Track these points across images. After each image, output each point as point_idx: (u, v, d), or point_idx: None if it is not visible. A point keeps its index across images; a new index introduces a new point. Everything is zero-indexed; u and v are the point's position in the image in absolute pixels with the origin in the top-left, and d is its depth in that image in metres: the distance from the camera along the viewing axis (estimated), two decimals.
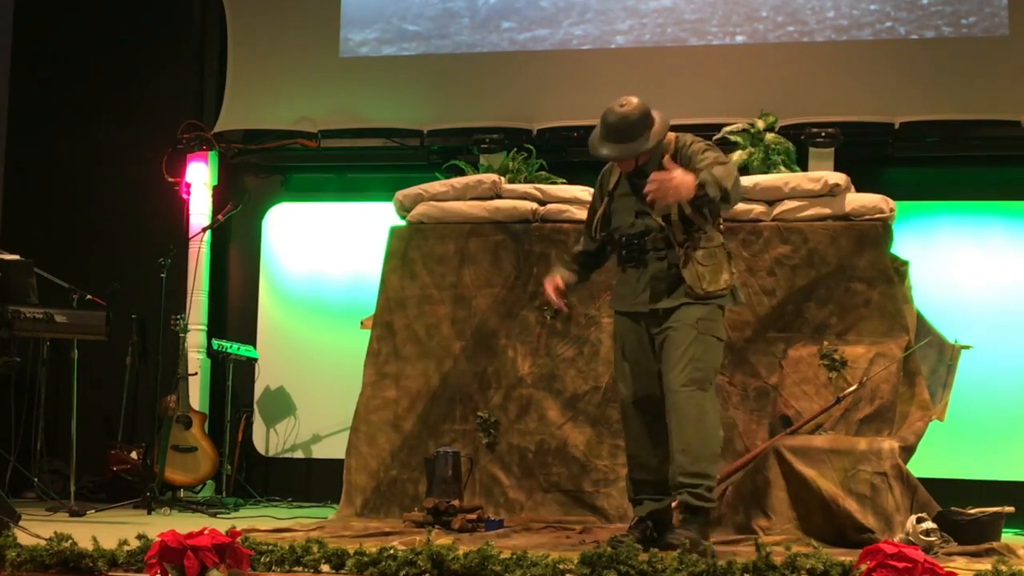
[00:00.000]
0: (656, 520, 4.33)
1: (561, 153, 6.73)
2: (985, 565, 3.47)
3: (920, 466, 4.95)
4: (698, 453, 4.14)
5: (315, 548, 3.57)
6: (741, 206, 5.39)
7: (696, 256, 4.25)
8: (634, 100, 4.26)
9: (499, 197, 5.72)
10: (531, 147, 6.12)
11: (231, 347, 6.89)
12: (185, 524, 3.75)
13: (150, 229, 7.22)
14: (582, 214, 4.93)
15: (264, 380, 7.20)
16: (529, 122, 6.78)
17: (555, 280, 4.52)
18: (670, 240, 4.26)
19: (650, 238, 4.30)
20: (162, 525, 4.11)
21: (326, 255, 7.25)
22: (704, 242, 4.27)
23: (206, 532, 3.27)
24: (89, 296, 6.60)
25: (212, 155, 7.30)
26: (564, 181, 5.88)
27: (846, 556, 3.46)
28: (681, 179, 4.02)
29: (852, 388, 4.99)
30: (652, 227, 4.29)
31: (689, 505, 4.15)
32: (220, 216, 7.04)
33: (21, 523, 4.47)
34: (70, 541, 3.52)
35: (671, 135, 4.39)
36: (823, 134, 6.45)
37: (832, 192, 5.33)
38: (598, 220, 4.48)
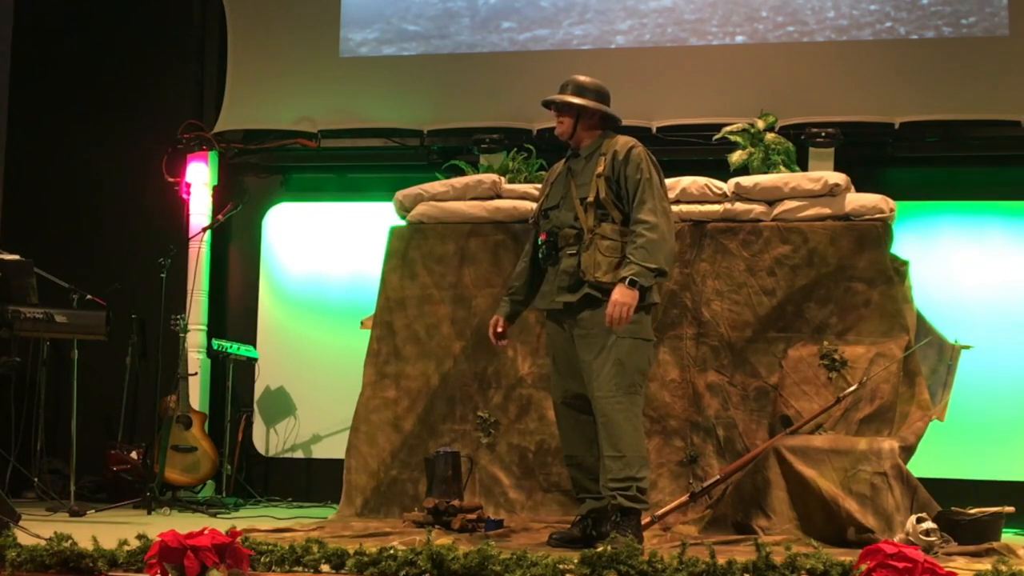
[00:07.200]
0: (595, 518, 4.47)
1: (561, 153, 6.72)
2: (985, 565, 3.47)
3: (920, 466, 4.95)
4: (628, 458, 4.28)
5: (315, 548, 3.58)
6: (741, 206, 5.41)
7: (600, 245, 4.37)
8: (598, 81, 4.57)
9: (499, 197, 5.72)
10: (531, 147, 6.12)
11: (231, 347, 6.89)
12: (185, 524, 3.75)
13: (150, 229, 7.22)
14: None
15: (264, 380, 7.20)
16: (529, 122, 6.78)
17: (494, 323, 4.73)
18: (582, 236, 4.40)
19: (562, 234, 4.47)
20: (162, 525, 4.12)
21: (326, 255, 7.25)
22: (613, 235, 4.39)
23: (206, 532, 3.28)
24: (89, 296, 6.59)
25: (212, 155, 7.30)
26: None
27: (846, 556, 3.46)
28: (616, 299, 4.23)
29: (852, 388, 4.99)
30: (566, 221, 4.47)
31: (622, 507, 4.29)
32: (220, 216, 7.04)
33: (21, 523, 4.46)
34: (70, 541, 3.51)
35: (617, 138, 4.54)
36: (823, 134, 6.45)
37: (832, 192, 5.33)
38: (538, 205, 4.72)
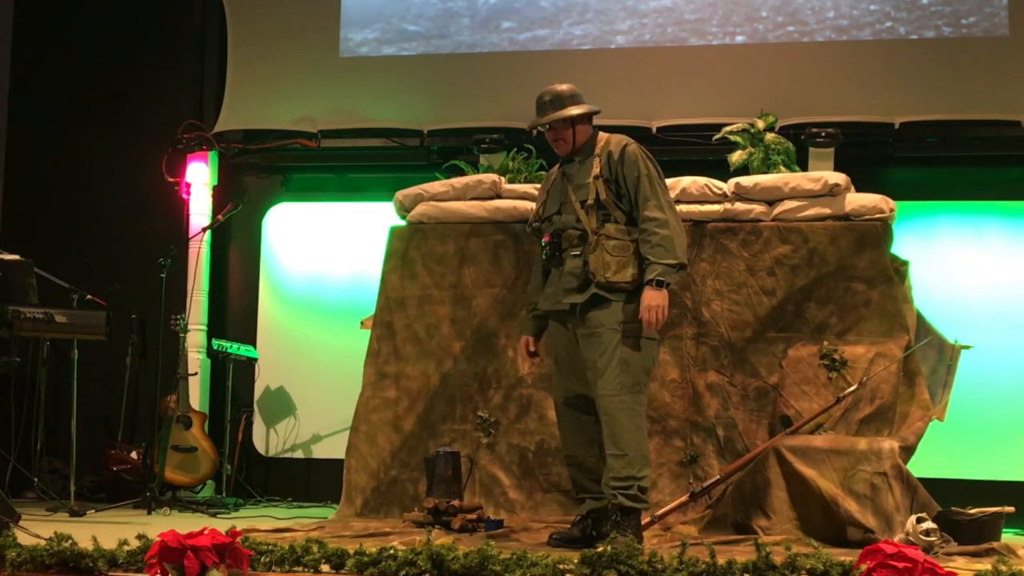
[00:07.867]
0: (595, 518, 4.49)
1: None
2: (985, 565, 3.47)
3: (920, 466, 4.95)
4: (630, 457, 4.29)
5: (315, 548, 3.58)
6: (741, 206, 5.41)
7: (607, 245, 4.38)
8: (566, 84, 4.58)
9: (499, 197, 5.72)
10: (531, 147, 6.12)
11: (231, 347, 6.89)
12: (185, 524, 3.76)
13: (150, 229, 7.22)
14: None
15: (264, 380, 7.20)
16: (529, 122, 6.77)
17: (523, 342, 4.76)
18: (586, 237, 4.40)
19: (565, 235, 4.48)
20: (162, 525, 4.12)
21: (326, 255, 7.25)
22: (618, 235, 4.39)
23: (206, 532, 3.28)
24: (89, 296, 6.60)
25: (212, 155, 7.31)
26: None
27: (846, 556, 3.46)
28: (649, 303, 4.26)
29: (852, 388, 4.99)
30: (569, 223, 4.47)
31: (623, 507, 4.30)
32: (220, 216, 7.04)
33: (21, 523, 4.47)
34: (70, 541, 3.52)
35: (603, 135, 4.58)
36: (823, 134, 6.45)
37: (832, 192, 5.33)
38: (536, 212, 4.73)
